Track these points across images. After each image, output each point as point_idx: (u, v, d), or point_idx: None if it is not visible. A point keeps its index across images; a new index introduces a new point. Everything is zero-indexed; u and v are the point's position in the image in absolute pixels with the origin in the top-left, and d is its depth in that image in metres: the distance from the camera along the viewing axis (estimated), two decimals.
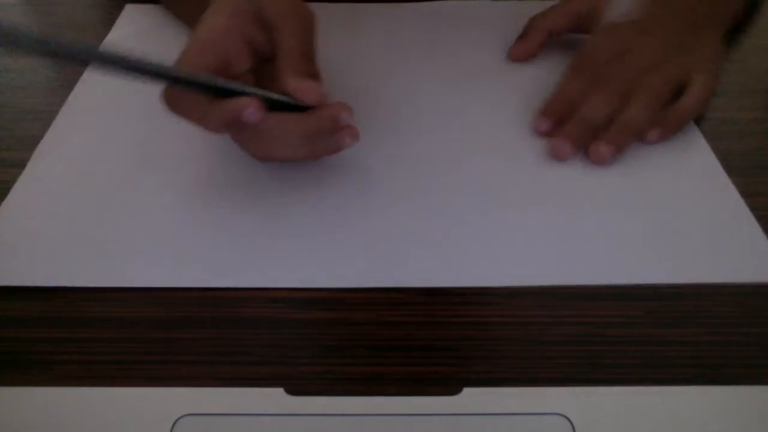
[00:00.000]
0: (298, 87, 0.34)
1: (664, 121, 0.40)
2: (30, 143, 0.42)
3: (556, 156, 0.39)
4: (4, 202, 0.38)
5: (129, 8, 0.54)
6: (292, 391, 0.29)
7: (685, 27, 0.42)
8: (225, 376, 0.30)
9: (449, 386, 0.29)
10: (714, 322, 0.31)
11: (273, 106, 0.34)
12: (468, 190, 0.38)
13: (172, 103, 0.33)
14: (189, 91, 0.33)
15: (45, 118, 0.44)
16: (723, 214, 0.36)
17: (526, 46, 0.47)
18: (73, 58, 0.29)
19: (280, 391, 0.29)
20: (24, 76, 0.48)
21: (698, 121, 0.42)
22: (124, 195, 0.38)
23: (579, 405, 0.28)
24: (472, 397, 0.29)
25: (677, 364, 0.30)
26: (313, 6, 0.38)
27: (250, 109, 0.32)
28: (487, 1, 0.54)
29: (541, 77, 0.45)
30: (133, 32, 0.52)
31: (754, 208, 0.36)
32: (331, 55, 0.48)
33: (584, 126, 0.39)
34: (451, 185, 0.38)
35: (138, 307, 0.33)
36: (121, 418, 0.28)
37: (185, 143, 0.41)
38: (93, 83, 0.47)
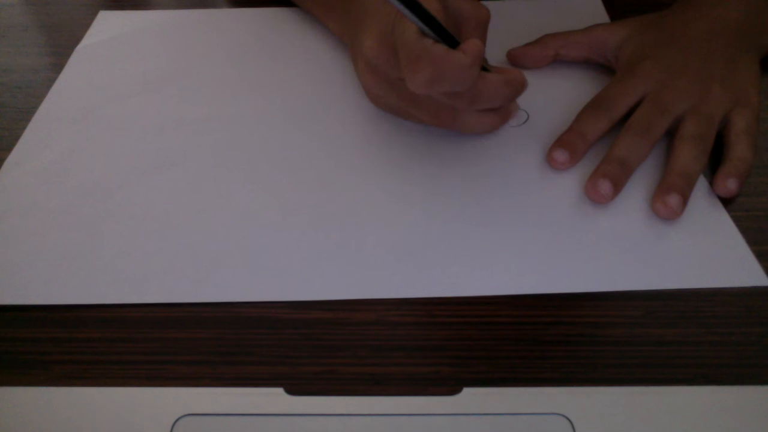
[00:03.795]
0: (512, 74, 0.36)
1: (735, 171, 0.37)
2: None
3: (596, 196, 0.36)
4: None
5: (102, 15, 0.54)
6: (292, 391, 0.29)
7: (718, 56, 0.40)
8: (225, 376, 0.30)
9: (449, 386, 0.29)
10: (714, 322, 0.31)
11: None
12: (467, 200, 0.37)
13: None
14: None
15: None
16: (701, 217, 0.36)
17: (528, 52, 0.46)
18: None
19: (280, 391, 0.29)
20: (24, 76, 0.48)
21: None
22: (106, 204, 0.38)
23: (579, 405, 0.28)
24: (472, 397, 0.29)
25: (677, 364, 0.30)
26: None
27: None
28: (488, 2, 0.54)
29: (541, 86, 0.45)
30: (107, 39, 0.51)
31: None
32: (330, 55, 0.48)
33: (621, 167, 0.37)
34: (453, 194, 0.38)
35: (138, 307, 0.33)
36: (121, 418, 0.28)
37: (165, 150, 0.41)
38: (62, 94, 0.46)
